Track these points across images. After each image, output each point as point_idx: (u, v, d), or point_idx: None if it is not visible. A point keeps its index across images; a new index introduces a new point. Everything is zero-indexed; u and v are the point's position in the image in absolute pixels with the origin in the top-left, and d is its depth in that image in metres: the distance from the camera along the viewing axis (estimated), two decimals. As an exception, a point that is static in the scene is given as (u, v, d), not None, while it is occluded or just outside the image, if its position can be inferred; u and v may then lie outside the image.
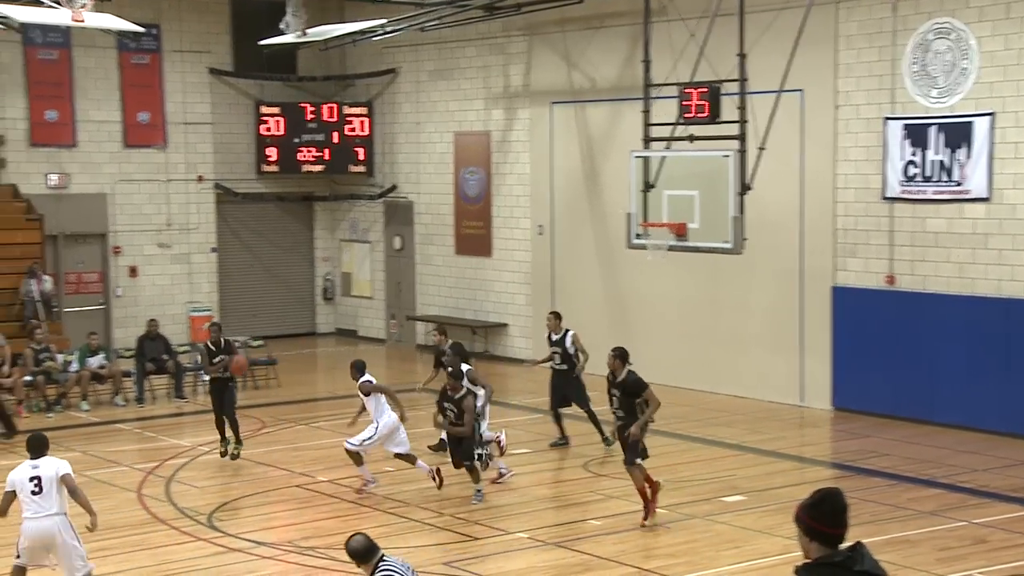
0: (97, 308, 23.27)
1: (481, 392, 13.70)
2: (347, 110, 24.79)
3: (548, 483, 14.20)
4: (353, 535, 6.98)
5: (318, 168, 25.04)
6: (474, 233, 23.11)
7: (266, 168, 24.93)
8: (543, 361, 15.88)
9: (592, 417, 15.23)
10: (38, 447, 9.58)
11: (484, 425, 13.52)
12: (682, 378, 19.41)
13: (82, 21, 16.60)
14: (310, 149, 24.85)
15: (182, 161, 24.08)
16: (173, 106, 23.90)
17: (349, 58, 25.12)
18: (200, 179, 24.29)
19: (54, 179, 22.81)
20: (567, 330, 15.50)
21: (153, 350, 19.40)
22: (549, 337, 15.71)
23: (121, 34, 21.78)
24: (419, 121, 24.06)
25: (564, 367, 15.48)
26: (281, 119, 24.70)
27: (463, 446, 12.85)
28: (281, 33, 20.41)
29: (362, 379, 13.42)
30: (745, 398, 18.56)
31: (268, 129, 24.72)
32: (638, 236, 16.03)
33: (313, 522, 12.56)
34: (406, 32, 21.35)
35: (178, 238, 24.10)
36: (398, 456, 13.48)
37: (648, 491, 11.98)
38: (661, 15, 17.77)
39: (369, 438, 13.33)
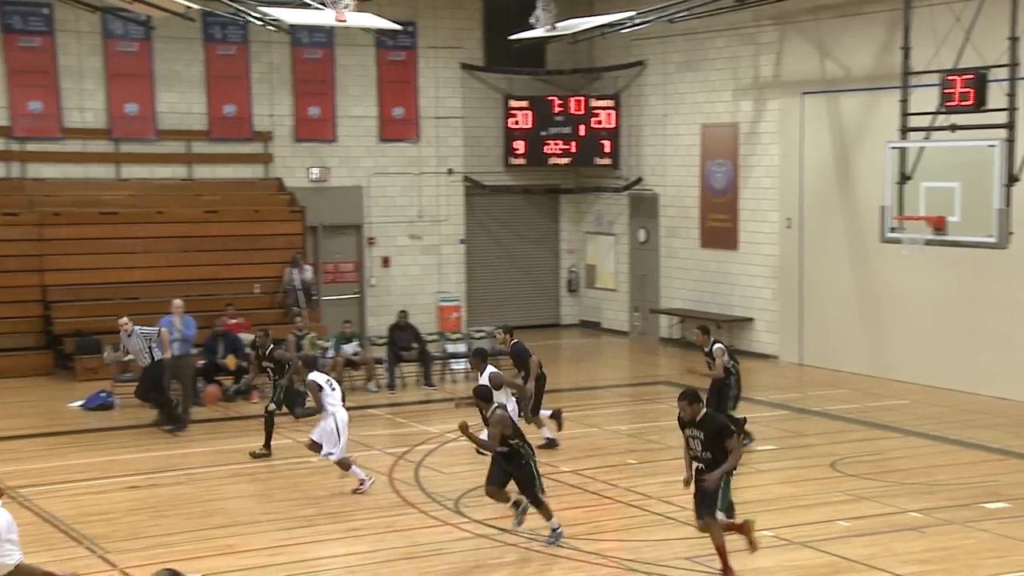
0: (352, 297, 24.25)
1: (512, 404, 13.07)
2: (594, 103, 24.90)
3: (794, 481, 13.84)
4: (155, 573, 6.64)
5: (564, 161, 25.27)
6: (720, 226, 22.80)
7: (513, 161, 25.34)
8: (709, 372, 15.47)
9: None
10: None
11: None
12: (938, 377, 18.66)
13: (344, 21, 17.31)
14: (557, 142, 25.10)
15: (433, 154, 24.78)
16: (426, 101, 24.62)
17: (597, 51, 25.21)
18: (450, 172, 24.93)
19: (315, 172, 23.89)
20: (715, 341, 15.11)
21: (403, 339, 20.01)
22: (702, 349, 15.34)
23: (380, 32, 22.58)
24: (666, 113, 23.91)
25: (722, 375, 15.16)
26: (529, 112, 25.05)
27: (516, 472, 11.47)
28: (531, 27, 20.70)
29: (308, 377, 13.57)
30: (1008, 400, 17.61)
31: (516, 122, 25.12)
32: (892, 230, 15.58)
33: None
34: (655, 24, 21.24)
35: (428, 229, 24.82)
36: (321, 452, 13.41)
37: (730, 545, 10.53)
38: (923, 0, 17.07)
39: (333, 444, 13.24)
